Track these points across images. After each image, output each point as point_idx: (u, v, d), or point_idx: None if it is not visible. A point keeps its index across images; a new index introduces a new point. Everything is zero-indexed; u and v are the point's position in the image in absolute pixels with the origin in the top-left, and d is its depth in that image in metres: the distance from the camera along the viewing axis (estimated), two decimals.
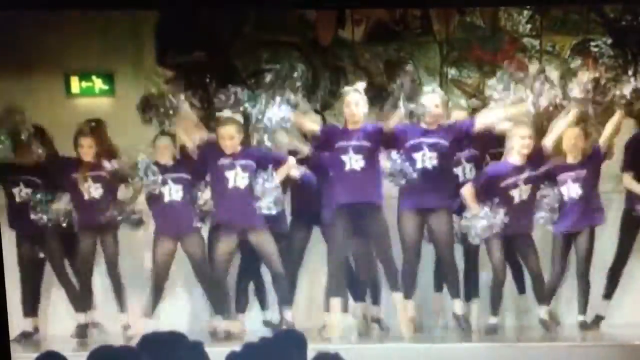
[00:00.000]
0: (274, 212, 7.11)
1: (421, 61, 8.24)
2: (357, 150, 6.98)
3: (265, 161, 7.18)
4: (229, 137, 7.15)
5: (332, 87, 8.28)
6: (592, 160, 7.30)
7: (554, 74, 8.14)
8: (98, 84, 8.20)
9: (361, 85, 7.14)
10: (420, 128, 7.10)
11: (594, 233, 7.29)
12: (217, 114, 7.33)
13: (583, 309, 7.35)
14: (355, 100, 7.05)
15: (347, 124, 7.11)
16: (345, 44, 8.23)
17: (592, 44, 8.24)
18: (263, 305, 7.63)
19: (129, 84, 8.17)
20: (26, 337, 7.61)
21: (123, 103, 8.18)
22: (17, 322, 7.47)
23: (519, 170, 7.15)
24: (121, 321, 7.54)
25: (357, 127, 7.05)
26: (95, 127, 7.43)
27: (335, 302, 7.07)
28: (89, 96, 8.21)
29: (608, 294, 7.51)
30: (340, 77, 8.24)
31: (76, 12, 7.57)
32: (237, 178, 7.11)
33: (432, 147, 7.04)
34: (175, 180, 7.26)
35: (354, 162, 6.97)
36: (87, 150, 7.40)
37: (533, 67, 8.15)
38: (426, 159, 7.03)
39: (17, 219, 7.54)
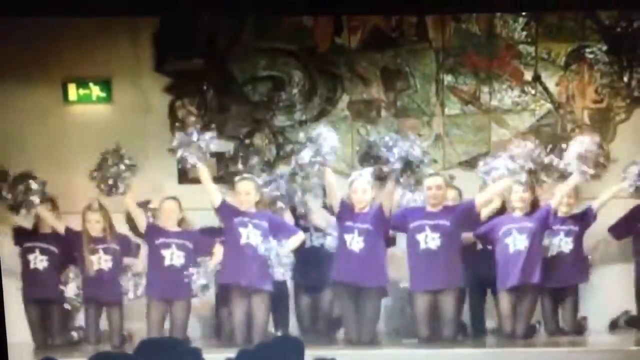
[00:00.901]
0: (287, 277, 7.15)
1: (417, 68, 8.23)
2: (360, 232, 7.02)
3: (277, 226, 7.20)
4: (245, 192, 7.18)
5: (329, 94, 8.27)
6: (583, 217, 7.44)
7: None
8: (95, 91, 8.16)
9: (367, 171, 7.12)
10: (421, 210, 7.18)
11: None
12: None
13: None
14: (362, 187, 7.09)
15: (354, 208, 7.13)
16: (342, 51, 8.21)
17: (588, 50, 8.22)
18: None
19: (126, 91, 8.15)
20: None
21: (120, 110, 8.18)
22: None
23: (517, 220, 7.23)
24: None
25: (364, 209, 7.10)
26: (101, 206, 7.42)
27: None
28: (87, 103, 8.16)
29: None
30: (337, 84, 8.22)
31: (74, 19, 7.54)
32: (250, 235, 7.11)
33: (434, 228, 7.10)
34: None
35: (355, 243, 7.01)
36: (95, 225, 7.37)
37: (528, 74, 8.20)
38: (429, 239, 7.08)
39: (29, 284, 7.54)
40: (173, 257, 7.20)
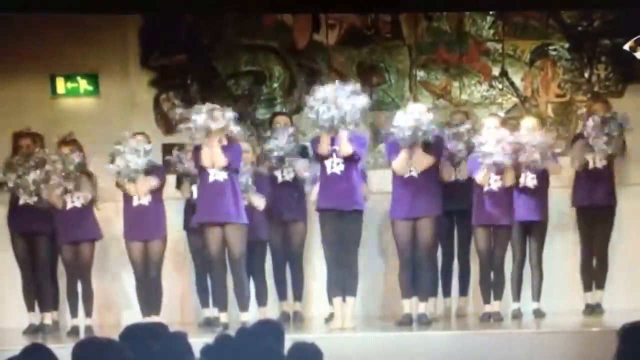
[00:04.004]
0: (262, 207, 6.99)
1: (392, 64, 8.20)
2: (339, 156, 6.84)
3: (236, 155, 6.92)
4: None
5: (308, 88, 8.20)
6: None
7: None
8: (83, 84, 8.04)
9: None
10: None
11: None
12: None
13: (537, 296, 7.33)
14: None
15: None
16: (320, 47, 8.16)
17: (551, 48, 8.21)
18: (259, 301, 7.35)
19: (113, 85, 8.04)
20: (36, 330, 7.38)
21: (107, 103, 8.07)
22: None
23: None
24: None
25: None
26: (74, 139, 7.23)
27: (337, 300, 6.93)
28: (74, 96, 8.05)
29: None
30: (316, 78, 8.15)
31: (62, 15, 7.41)
32: (216, 173, 6.86)
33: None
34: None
35: (335, 166, 6.85)
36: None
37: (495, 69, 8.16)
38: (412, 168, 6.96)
39: (16, 218, 7.34)
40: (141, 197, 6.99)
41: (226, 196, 6.79)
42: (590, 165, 7.40)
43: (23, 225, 7.32)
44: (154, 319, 6.95)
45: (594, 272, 7.47)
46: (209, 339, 4.04)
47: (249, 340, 3.98)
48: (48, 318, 7.40)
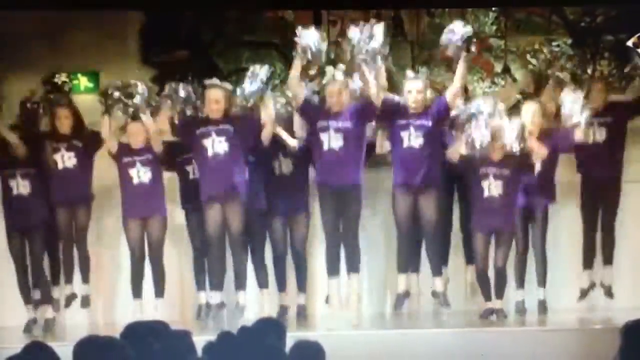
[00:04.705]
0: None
1: (393, 61, 8.16)
2: (337, 130, 6.82)
3: (245, 124, 6.86)
4: (215, 100, 6.86)
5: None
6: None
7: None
8: (83, 81, 8.03)
9: (339, 74, 6.97)
10: (406, 109, 6.99)
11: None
12: (206, 81, 7.06)
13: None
14: (337, 89, 6.88)
15: (331, 109, 6.93)
16: None
17: (553, 44, 8.17)
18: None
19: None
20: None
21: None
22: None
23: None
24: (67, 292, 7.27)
25: (340, 110, 6.89)
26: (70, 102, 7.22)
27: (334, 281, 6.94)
28: (75, 93, 7.99)
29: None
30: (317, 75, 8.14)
31: (62, 12, 7.40)
32: (215, 144, 6.80)
33: (419, 128, 6.93)
34: (144, 163, 7.01)
35: (333, 141, 6.80)
36: (64, 121, 7.16)
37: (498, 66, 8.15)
38: (412, 138, 6.92)
39: (10, 210, 7.29)
40: (140, 174, 6.97)
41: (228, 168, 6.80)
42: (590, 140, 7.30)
43: (18, 219, 7.26)
44: (158, 301, 6.96)
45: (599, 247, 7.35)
46: (210, 336, 4.04)
47: (250, 338, 3.98)
48: (48, 312, 7.35)
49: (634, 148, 7.64)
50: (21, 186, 7.16)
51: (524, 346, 6.43)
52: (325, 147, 6.82)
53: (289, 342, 4.06)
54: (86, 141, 7.21)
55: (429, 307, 7.34)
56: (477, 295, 7.25)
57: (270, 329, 4.14)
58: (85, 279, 7.27)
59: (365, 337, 6.70)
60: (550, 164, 7.24)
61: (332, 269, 6.94)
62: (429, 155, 6.92)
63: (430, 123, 6.95)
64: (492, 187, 6.97)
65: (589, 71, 8.21)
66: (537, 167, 7.16)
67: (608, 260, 7.40)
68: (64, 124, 7.19)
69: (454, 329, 6.92)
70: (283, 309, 7.32)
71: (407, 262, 7.09)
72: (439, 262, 7.12)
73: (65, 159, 7.12)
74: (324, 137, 6.81)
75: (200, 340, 4.03)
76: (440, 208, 7.05)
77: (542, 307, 7.29)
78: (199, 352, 3.95)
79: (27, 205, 7.16)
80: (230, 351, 3.90)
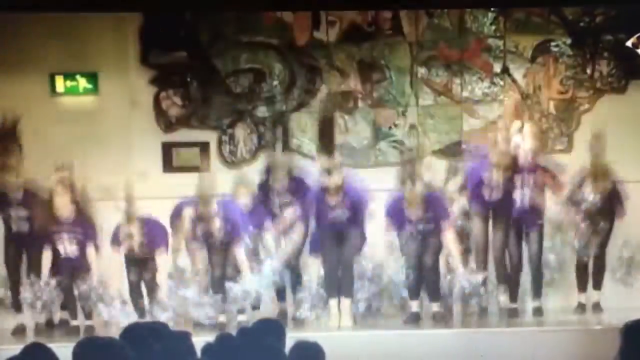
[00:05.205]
0: None
1: (392, 61, 8.19)
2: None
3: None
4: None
5: (308, 85, 8.20)
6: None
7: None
8: (82, 83, 8.03)
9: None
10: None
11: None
12: None
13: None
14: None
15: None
16: (320, 44, 8.14)
17: (553, 44, 8.19)
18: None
19: (112, 83, 8.03)
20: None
21: (107, 101, 8.05)
22: None
23: None
24: None
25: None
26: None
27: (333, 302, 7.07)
28: (73, 95, 8.04)
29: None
30: (316, 76, 8.14)
31: (61, 13, 7.41)
32: None
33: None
34: None
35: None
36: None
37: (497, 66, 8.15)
38: None
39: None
40: None
41: None
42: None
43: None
44: None
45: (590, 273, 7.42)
46: (209, 337, 4.04)
47: (250, 339, 3.98)
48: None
49: (634, 148, 7.65)
50: None
51: (523, 347, 6.44)
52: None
53: (289, 343, 4.06)
54: None
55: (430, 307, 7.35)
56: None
57: (269, 330, 4.13)
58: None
59: (365, 337, 6.71)
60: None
61: (331, 293, 7.09)
62: None
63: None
64: None
65: (589, 72, 8.22)
66: None
67: (597, 285, 7.41)
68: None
69: (454, 329, 6.93)
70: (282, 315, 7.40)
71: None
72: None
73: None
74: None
75: (198, 342, 4.03)
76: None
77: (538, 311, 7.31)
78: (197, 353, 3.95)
79: None
80: (230, 352, 3.89)
